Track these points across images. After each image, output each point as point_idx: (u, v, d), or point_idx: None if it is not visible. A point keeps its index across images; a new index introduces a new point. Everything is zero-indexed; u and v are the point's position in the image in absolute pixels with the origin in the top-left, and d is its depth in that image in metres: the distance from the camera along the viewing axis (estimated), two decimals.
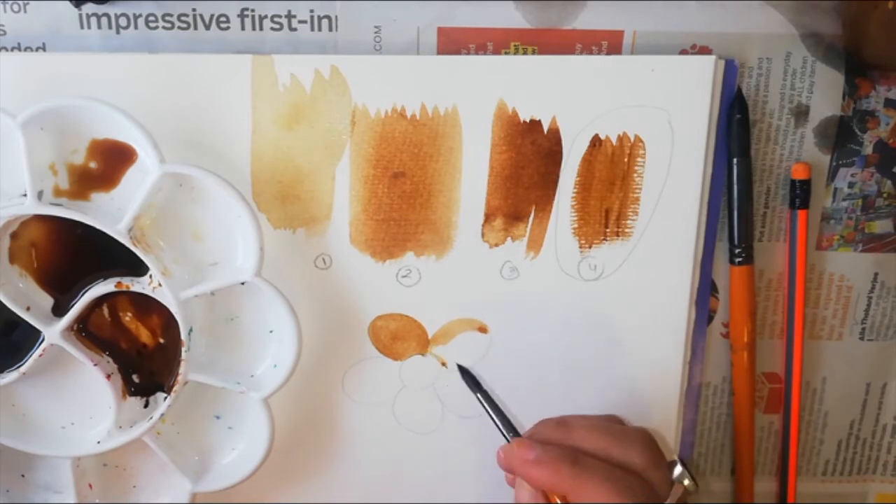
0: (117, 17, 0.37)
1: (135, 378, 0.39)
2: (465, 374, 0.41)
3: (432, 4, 0.37)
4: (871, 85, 0.40)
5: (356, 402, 0.42)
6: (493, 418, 0.39)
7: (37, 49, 0.37)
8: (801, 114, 0.40)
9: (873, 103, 0.40)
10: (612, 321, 0.41)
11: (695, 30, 0.38)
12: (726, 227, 0.41)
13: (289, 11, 0.37)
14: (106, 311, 0.38)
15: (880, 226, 0.42)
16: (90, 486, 0.40)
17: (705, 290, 0.41)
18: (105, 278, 0.37)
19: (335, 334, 0.40)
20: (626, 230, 0.40)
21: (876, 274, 0.42)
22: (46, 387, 0.39)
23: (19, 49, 0.37)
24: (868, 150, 0.40)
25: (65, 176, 0.37)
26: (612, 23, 0.38)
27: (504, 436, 0.38)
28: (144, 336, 0.39)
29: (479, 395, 0.40)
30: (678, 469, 0.35)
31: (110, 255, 0.37)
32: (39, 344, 0.37)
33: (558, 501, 0.35)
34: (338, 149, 0.38)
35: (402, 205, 0.39)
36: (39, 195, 0.36)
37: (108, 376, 0.38)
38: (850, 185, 0.41)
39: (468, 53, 0.38)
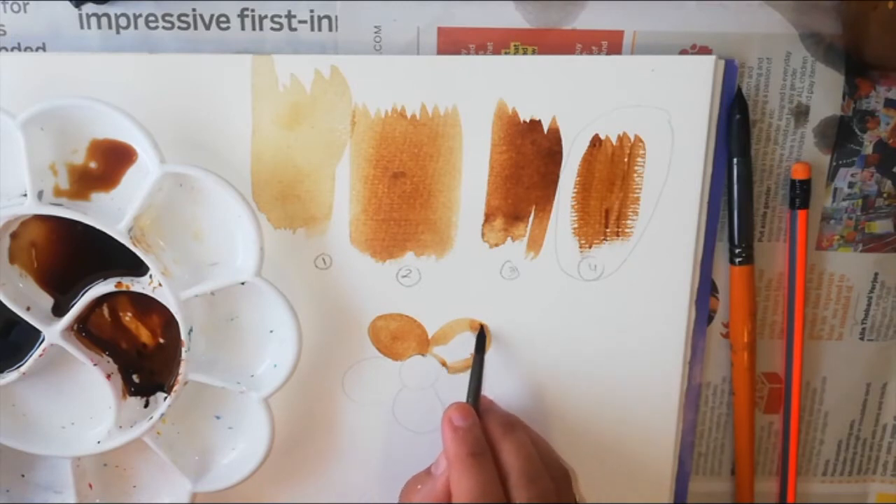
0: (117, 17, 0.37)
1: (135, 378, 0.39)
2: (482, 336, 0.40)
3: (432, 4, 0.37)
4: (871, 85, 0.40)
5: (356, 402, 0.42)
6: (470, 379, 0.39)
7: (37, 49, 0.37)
8: (801, 114, 0.40)
9: (873, 103, 0.40)
10: (612, 321, 0.41)
11: (695, 30, 0.38)
12: (726, 227, 0.41)
13: (289, 11, 0.37)
14: (106, 311, 0.38)
15: (880, 226, 0.42)
16: (90, 486, 0.40)
17: (705, 290, 0.41)
18: (105, 278, 0.37)
19: (335, 334, 0.40)
20: (626, 230, 0.40)
21: (876, 274, 0.42)
22: (46, 387, 0.39)
23: (19, 49, 0.37)
24: (868, 150, 0.40)
25: (65, 176, 0.37)
26: (612, 23, 0.38)
27: (467, 396, 0.39)
28: (144, 336, 0.39)
29: (476, 355, 0.40)
30: None
31: (110, 255, 0.37)
32: (39, 344, 0.37)
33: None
34: (338, 149, 0.38)
35: (402, 205, 0.39)
36: (39, 195, 0.36)
37: (108, 376, 0.38)
38: (850, 185, 0.41)
39: (468, 53, 0.38)
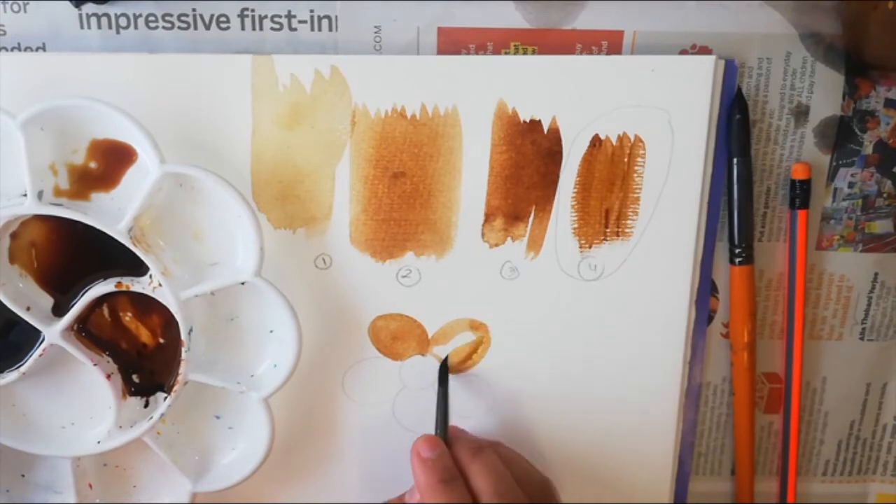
0: (117, 17, 0.37)
1: (135, 378, 0.39)
2: (444, 368, 0.40)
3: (432, 4, 0.37)
4: (871, 85, 0.40)
5: (356, 402, 0.42)
6: (437, 410, 0.39)
7: (37, 49, 0.37)
8: (801, 114, 0.40)
9: (873, 103, 0.40)
10: (612, 321, 0.41)
11: (695, 30, 0.38)
12: (726, 227, 0.41)
13: (289, 11, 0.37)
14: (106, 311, 0.38)
15: (880, 226, 0.42)
16: (90, 486, 0.40)
17: (705, 290, 0.41)
18: (105, 278, 0.37)
19: (335, 334, 0.40)
20: (626, 230, 0.40)
21: (876, 274, 0.42)
22: (46, 387, 0.39)
23: (19, 49, 0.37)
24: (868, 150, 0.40)
25: (65, 176, 0.37)
26: (612, 23, 0.38)
27: (435, 428, 0.39)
28: (144, 336, 0.39)
29: (440, 387, 0.40)
30: None
31: (110, 255, 0.37)
32: (39, 344, 0.37)
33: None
34: (338, 149, 0.38)
35: (402, 205, 0.39)
36: (39, 195, 0.36)
37: (108, 376, 0.38)
38: (850, 185, 0.41)
39: (468, 53, 0.38)
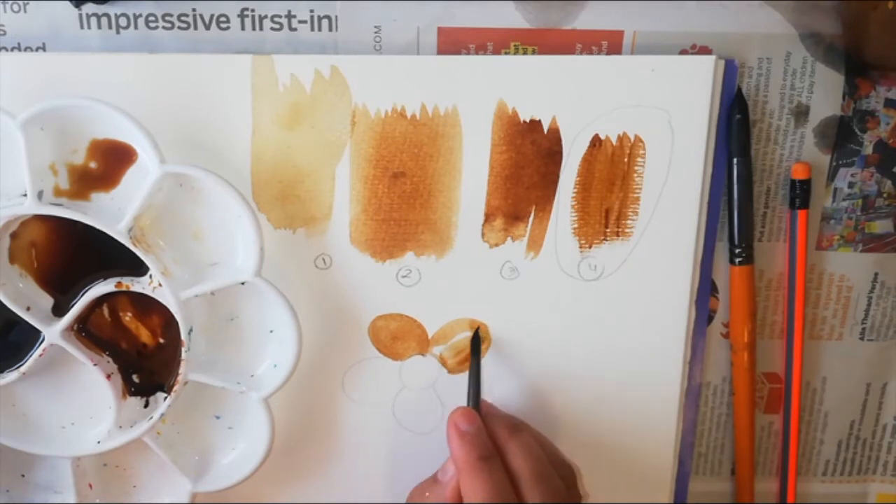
0: (117, 17, 0.37)
1: (135, 378, 0.39)
2: (476, 339, 0.40)
3: (432, 4, 0.37)
4: (871, 85, 0.40)
5: (356, 402, 0.42)
6: (469, 383, 0.39)
7: (37, 49, 0.37)
8: (801, 114, 0.40)
9: (873, 103, 0.40)
10: (612, 321, 0.41)
11: (695, 30, 0.38)
12: (726, 227, 0.41)
13: (289, 11, 0.37)
14: (106, 311, 0.39)
15: (880, 226, 0.42)
16: (90, 486, 0.40)
17: (705, 290, 0.41)
18: (105, 278, 0.37)
19: (335, 334, 0.40)
20: (626, 230, 0.40)
21: (876, 274, 0.42)
22: (46, 387, 0.39)
23: (19, 49, 0.37)
24: (868, 150, 0.40)
25: (65, 176, 0.37)
26: (612, 23, 0.38)
27: (467, 400, 0.39)
28: (144, 336, 0.39)
29: (473, 358, 0.40)
30: None
31: (110, 255, 0.37)
32: (39, 344, 0.37)
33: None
34: (338, 149, 0.38)
35: (402, 205, 0.39)
36: (39, 195, 0.36)
37: (108, 376, 0.38)
38: (850, 185, 0.41)
39: (468, 53, 0.38)
